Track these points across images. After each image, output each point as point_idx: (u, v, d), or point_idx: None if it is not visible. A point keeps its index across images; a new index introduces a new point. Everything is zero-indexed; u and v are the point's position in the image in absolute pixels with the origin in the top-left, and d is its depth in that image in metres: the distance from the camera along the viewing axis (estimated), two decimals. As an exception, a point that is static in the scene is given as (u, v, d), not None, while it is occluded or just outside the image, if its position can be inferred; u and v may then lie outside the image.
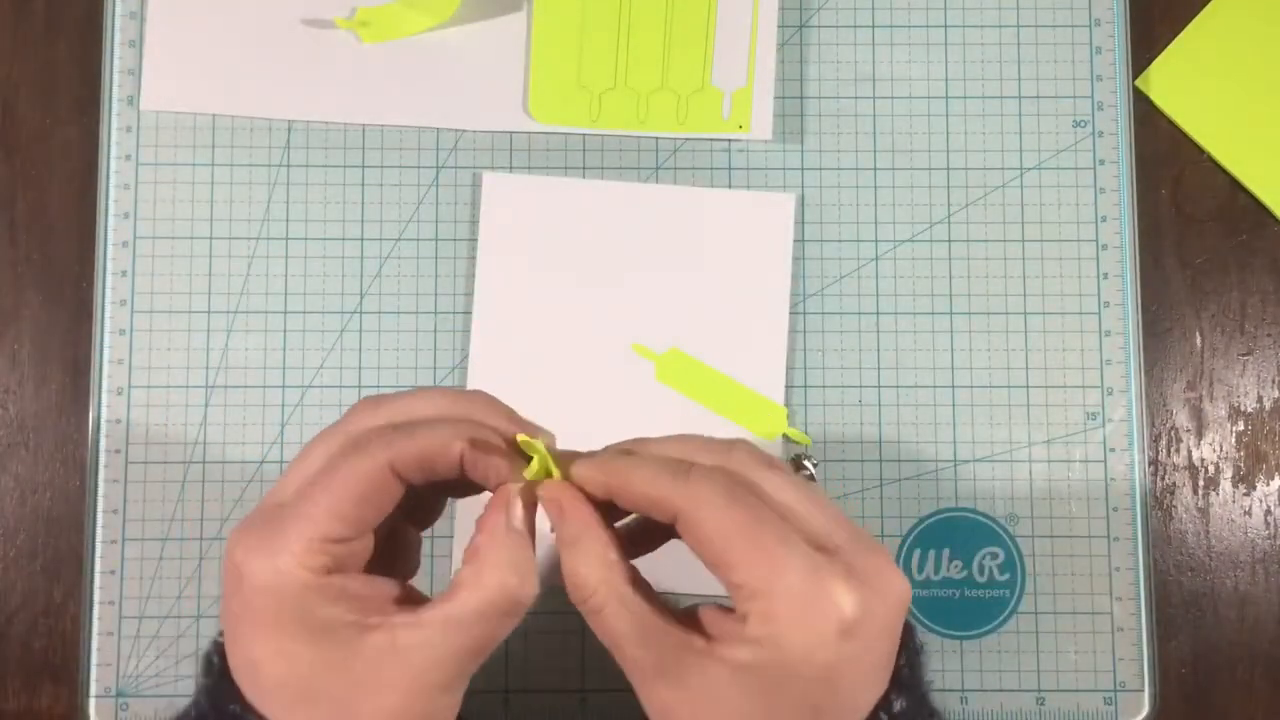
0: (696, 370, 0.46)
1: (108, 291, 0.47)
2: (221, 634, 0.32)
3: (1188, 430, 0.48)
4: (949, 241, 0.48)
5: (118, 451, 0.46)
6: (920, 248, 0.48)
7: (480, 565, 0.30)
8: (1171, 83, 0.49)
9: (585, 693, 0.46)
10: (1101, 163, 0.48)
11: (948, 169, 0.48)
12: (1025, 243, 0.48)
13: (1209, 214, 0.49)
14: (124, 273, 0.47)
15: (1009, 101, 0.48)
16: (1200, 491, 0.48)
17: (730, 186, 0.48)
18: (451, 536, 0.46)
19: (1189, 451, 0.48)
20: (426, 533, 0.37)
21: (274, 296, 0.47)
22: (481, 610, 0.30)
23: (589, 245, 0.47)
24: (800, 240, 0.47)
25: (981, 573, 0.46)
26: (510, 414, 0.33)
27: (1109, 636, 0.46)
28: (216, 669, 0.31)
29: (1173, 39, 0.49)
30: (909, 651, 0.31)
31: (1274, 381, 0.48)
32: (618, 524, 0.33)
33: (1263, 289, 0.49)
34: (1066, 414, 0.47)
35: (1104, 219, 0.48)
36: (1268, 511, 0.48)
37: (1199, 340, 0.48)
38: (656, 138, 0.48)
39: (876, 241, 0.48)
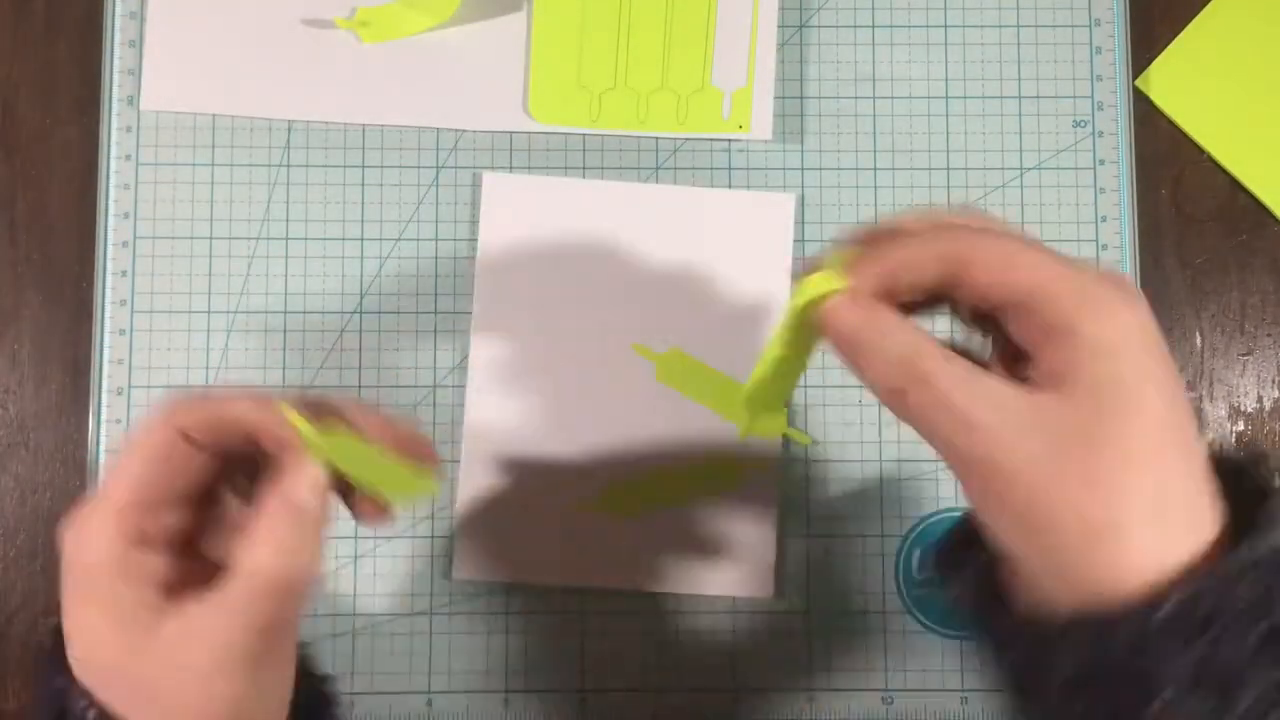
0: (696, 370, 0.46)
1: (108, 291, 0.47)
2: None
3: (1188, 430, 0.48)
4: (949, 241, 0.48)
5: (118, 452, 0.46)
6: (920, 248, 0.48)
7: (250, 544, 0.29)
8: (1171, 83, 0.49)
9: (585, 693, 0.46)
10: (1101, 163, 0.48)
11: (948, 169, 0.48)
12: (1025, 243, 0.48)
13: (1209, 214, 0.49)
14: (124, 273, 0.47)
15: (1009, 101, 0.48)
16: (1200, 491, 0.48)
17: (730, 186, 0.48)
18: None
19: (1189, 451, 0.48)
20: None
21: (274, 296, 0.47)
22: (253, 594, 0.29)
23: (589, 245, 0.47)
24: (800, 240, 0.47)
25: (981, 573, 0.46)
26: (306, 398, 0.32)
27: (1109, 636, 0.46)
28: (47, 645, 0.32)
29: (1173, 39, 0.49)
30: None
31: (1274, 381, 0.48)
32: None
33: (1263, 289, 0.49)
34: (1066, 414, 0.47)
35: (1104, 219, 0.48)
36: (1268, 511, 0.48)
37: (1199, 340, 0.48)
38: (656, 138, 0.48)
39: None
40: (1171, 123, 0.49)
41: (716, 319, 0.47)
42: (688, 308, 0.47)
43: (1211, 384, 0.48)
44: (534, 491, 0.46)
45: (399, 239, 0.47)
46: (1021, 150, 0.48)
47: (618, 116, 0.48)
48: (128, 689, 0.30)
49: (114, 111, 0.48)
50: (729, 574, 0.46)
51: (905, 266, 0.28)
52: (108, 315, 0.47)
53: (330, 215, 0.47)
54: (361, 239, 0.47)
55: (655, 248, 0.47)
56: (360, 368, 0.47)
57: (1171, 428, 0.25)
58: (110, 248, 0.47)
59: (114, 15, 0.48)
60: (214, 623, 0.29)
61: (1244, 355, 0.48)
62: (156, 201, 0.47)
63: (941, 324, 0.30)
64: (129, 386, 0.46)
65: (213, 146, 0.48)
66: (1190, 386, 0.48)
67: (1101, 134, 0.48)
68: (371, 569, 0.46)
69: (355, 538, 0.46)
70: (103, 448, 0.46)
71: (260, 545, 0.29)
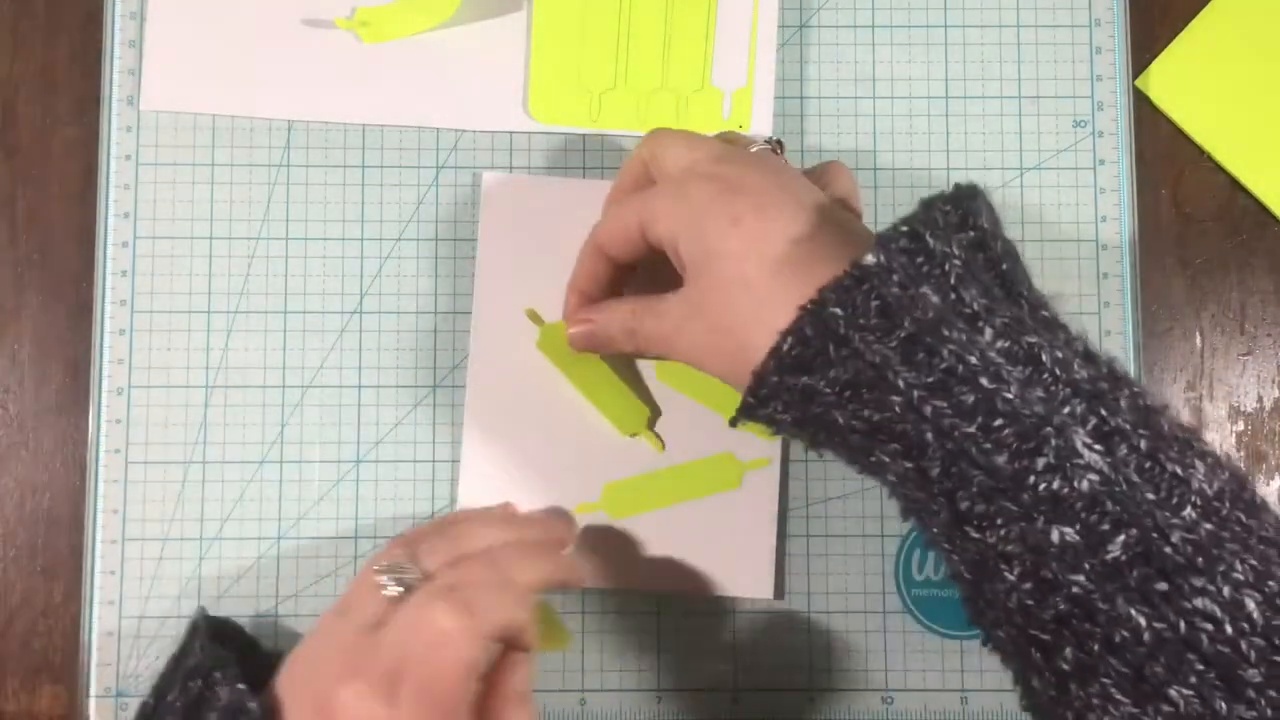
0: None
1: (108, 291, 0.47)
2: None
3: (1188, 430, 0.48)
4: (949, 241, 0.48)
5: (118, 451, 0.46)
6: (920, 248, 0.48)
7: None
8: (1171, 83, 0.49)
9: (585, 693, 0.46)
10: (1101, 163, 0.48)
11: (948, 169, 0.48)
12: (1025, 243, 0.48)
13: (1209, 214, 0.49)
14: (124, 273, 0.47)
15: (1009, 101, 0.48)
16: (1200, 491, 0.48)
17: (730, 186, 0.48)
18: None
19: (1189, 451, 0.48)
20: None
21: (274, 296, 0.47)
22: None
23: (589, 245, 0.47)
24: (800, 240, 0.47)
25: (981, 573, 0.46)
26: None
27: (1109, 636, 0.46)
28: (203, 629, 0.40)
29: (1173, 39, 0.49)
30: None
31: (1274, 381, 0.48)
32: None
33: (1263, 289, 0.49)
34: (1066, 414, 0.47)
35: (1104, 219, 0.48)
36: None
37: (1199, 340, 0.48)
38: (656, 138, 0.48)
39: (876, 241, 0.48)
40: (1171, 123, 0.49)
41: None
42: (688, 308, 0.47)
43: (1211, 384, 0.48)
44: (534, 492, 0.46)
45: (399, 239, 0.47)
46: (1021, 150, 0.48)
47: (618, 116, 0.48)
48: None
49: (114, 111, 0.48)
50: (729, 574, 0.46)
51: (588, 278, 0.42)
52: (108, 315, 0.47)
53: (330, 215, 0.47)
54: (361, 239, 0.47)
55: (655, 248, 0.47)
56: (360, 368, 0.47)
57: (739, 257, 0.35)
58: (110, 248, 0.47)
59: (114, 15, 0.48)
60: None
61: (1244, 355, 0.48)
62: (156, 201, 0.47)
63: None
64: (129, 386, 0.46)
65: (213, 146, 0.48)
66: (1190, 386, 0.48)
67: (1101, 134, 0.48)
68: (371, 569, 0.46)
69: (356, 539, 0.46)
70: (103, 448, 0.46)
71: None
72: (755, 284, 0.35)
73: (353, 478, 0.46)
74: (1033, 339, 0.32)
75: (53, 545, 0.47)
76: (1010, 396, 0.31)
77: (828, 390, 0.34)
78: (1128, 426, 0.31)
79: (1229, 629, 0.29)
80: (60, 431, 0.47)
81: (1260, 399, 0.48)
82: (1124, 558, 0.30)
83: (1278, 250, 0.49)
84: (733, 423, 0.38)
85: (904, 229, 0.34)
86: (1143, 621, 0.30)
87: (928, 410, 0.32)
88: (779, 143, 0.41)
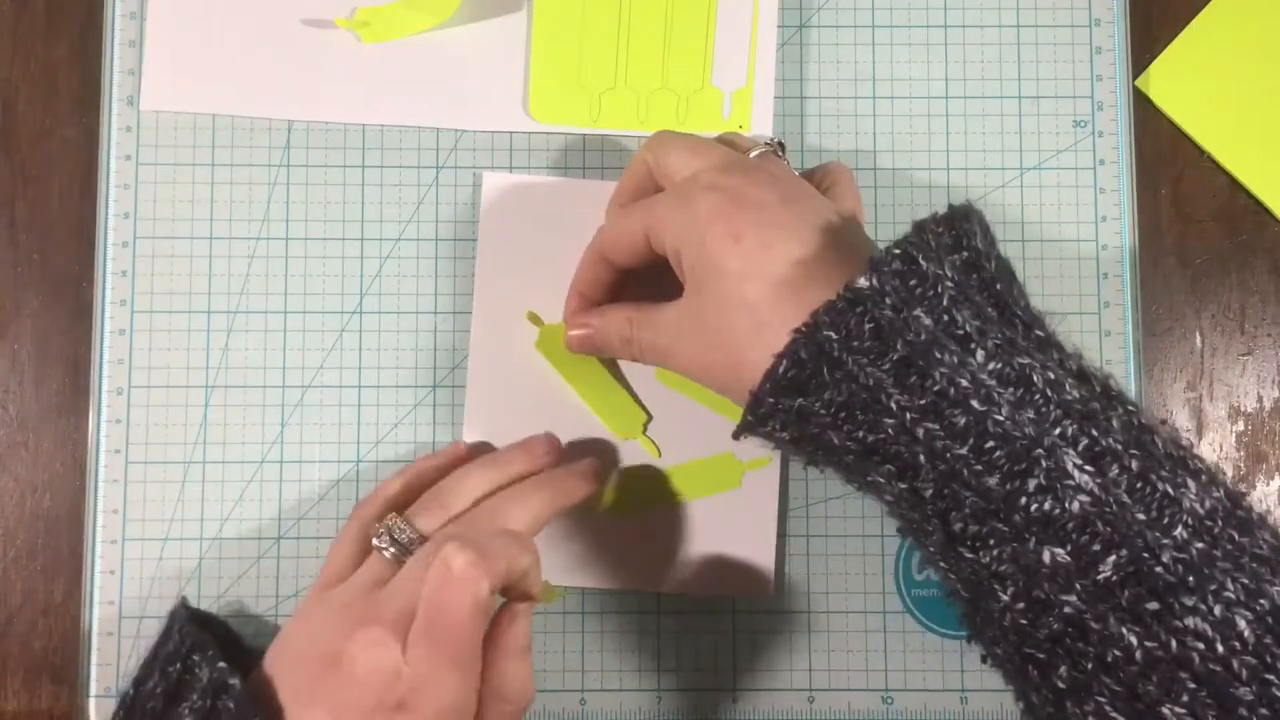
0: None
1: (108, 291, 0.47)
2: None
3: (1187, 430, 0.48)
4: (949, 241, 0.48)
5: (118, 451, 0.46)
6: (920, 248, 0.48)
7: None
8: (1171, 83, 0.49)
9: (585, 693, 0.46)
10: (1101, 163, 0.48)
11: (948, 169, 0.48)
12: (1025, 243, 0.48)
13: (1209, 214, 0.49)
14: (124, 273, 0.47)
15: (1009, 101, 0.48)
16: (1200, 491, 0.48)
17: (730, 186, 0.48)
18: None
19: (1189, 451, 0.48)
20: None
21: (274, 296, 0.47)
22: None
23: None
24: (800, 240, 0.47)
25: (981, 573, 0.46)
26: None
27: (1109, 636, 0.46)
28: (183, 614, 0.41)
29: (1173, 39, 0.49)
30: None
31: (1274, 381, 0.48)
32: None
33: (1263, 289, 0.49)
34: (1066, 414, 0.47)
35: (1104, 219, 0.48)
36: (1268, 511, 0.48)
37: (1199, 340, 0.48)
38: (656, 138, 0.48)
39: (876, 241, 0.48)
40: (1171, 123, 0.49)
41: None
42: (688, 308, 0.47)
43: (1211, 384, 0.48)
44: (534, 491, 0.46)
45: (399, 239, 0.47)
46: (1021, 150, 0.48)
47: (618, 116, 0.48)
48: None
49: (114, 111, 0.48)
50: (729, 574, 0.46)
51: (589, 281, 0.43)
52: (108, 315, 0.47)
53: (330, 215, 0.47)
54: (361, 239, 0.47)
55: (655, 248, 0.47)
56: (360, 368, 0.47)
57: (739, 276, 0.36)
58: (110, 248, 0.47)
59: (114, 15, 0.48)
60: None
61: (1244, 355, 0.48)
62: (156, 201, 0.47)
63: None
64: (129, 386, 0.46)
65: (213, 146, 0.48)
66: (1190, 386, 0.48)
67: (1101, 134, 0.48)
68: (371, 569, 0.46)
69: (355, 538, 0.46)
70: (103, 448, 0.46)
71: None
72: (754, 305, 0.35)
73: (353, 478, 0.46)
74: (1024, 360, 0.32)
75: (53, 545, 0.47)
76: (1001, 418, 0.31)
77: (823, 411, 0.34)
78: (1119, 447, 0.31)
79: (1220, 648, 0.29)
80: (60, 431, 0.47)
81: (1260, 399, 0.48)
82: (1115, 578, 0.30)
83: (1278, 250, 0.49)
84: (736, 436, 0.38)
85: (897, 251, 0.34)
86: (1134, 641, 0.30)
87: (920, 432, 0.32)
88: (780, 144, 0.41)
